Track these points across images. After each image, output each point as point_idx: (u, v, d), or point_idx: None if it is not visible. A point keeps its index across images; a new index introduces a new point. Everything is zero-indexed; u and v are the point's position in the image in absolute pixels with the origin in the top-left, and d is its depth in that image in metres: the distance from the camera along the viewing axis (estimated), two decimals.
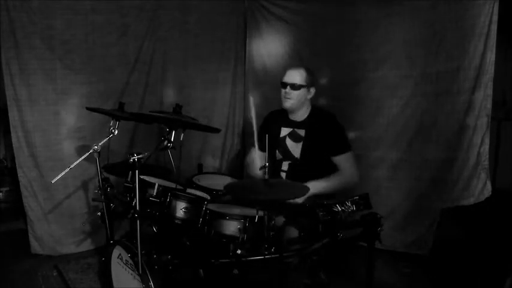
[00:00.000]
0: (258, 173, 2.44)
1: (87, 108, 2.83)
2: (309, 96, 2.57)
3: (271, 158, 2.66)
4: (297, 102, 2.55)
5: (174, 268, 2.17)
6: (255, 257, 1.96)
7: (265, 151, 2.17)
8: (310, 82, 2.54)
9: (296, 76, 2.52)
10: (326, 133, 2.50)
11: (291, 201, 2.30)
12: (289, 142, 2.62)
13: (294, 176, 2.56)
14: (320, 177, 2.43)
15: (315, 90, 2.58)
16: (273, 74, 4.01)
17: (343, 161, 2.48)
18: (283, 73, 2.58)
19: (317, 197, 2.32)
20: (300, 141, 2.58)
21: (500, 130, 4.41)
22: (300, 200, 2.34)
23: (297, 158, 2.58)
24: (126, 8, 3.46)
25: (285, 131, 2.65)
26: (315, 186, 2.30)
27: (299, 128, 2.60)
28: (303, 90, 2.52)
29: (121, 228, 3.32)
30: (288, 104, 2.55)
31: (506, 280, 2.62)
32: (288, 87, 2.52)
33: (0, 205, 4.24)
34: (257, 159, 2.55)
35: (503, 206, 3.59)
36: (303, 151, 2.55)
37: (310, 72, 2.56)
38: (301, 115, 2.62)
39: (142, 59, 3.61)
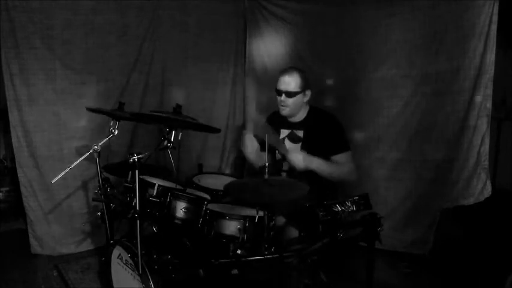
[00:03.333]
0: (252, 156, 2.58)
1: (87, 109, 2.83)
2: (305, 100, 2.56)
3: (272, 158, 2.67)
4: (293, 108, 2.54)
5: (174, 268, 2.18)
6: (255, 257, 1.96)
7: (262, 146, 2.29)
8: (305, 86, 2.52)
9: (290, 83, 2.49)
10: (325, 133, 2.50)
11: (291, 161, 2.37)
12: (288, 143, 2.63)
13: (294, 176, 2.56)
14: (319, 177, 2.43)
15: (310, 92, 2.56)
16: (273, 74, 4.00)
17: (342, 159, 2.48)
18: (277, 79, 2.55)
19: (317, 192, 2.31)
20: (299, 142, 2.58)
21: (500, 130, 4.41)
22: (300, 165, 2.36)
23: None
24: (126, 8, 3.46)
25: (284, 133, 2.66)
26: (316, 162, 2.37)
27: (297, 129, 2.60)
28: (298, 96, 2.50)
29: (121, 228, 3.33)
30: (284, 111, 2.55)
31: (507, 280, 2.62)
32: (284, 95, 2.50)
33: (0, 205, 4.24)
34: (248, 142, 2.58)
35: (503, 206, 3.59)
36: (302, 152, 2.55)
37: (304, 76, 2.53)
38: (299, 116, 2.62)
39: (142, 59, 3.61)
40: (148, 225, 2.48)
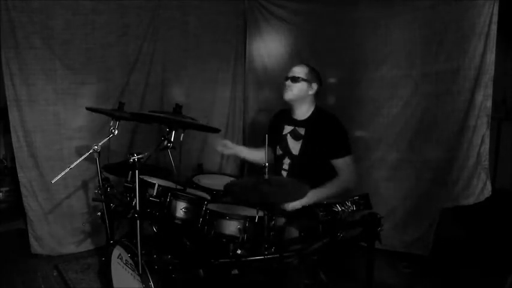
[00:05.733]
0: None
1: (87, 108, 2.83)
2: (311, 92, 2.60)
3: (273, 154, 2.69)
4: (296, 94, 2.58)
5: (174, 268, 2.18)
6: (255, 257, 1.96)
7: (269, 147, 2.34)
8: (312, 78, 2.60)
9: (297, 70, 2.61)
10: (327, 135, 2.50)
11: (289, 206, 2.32)
12: (290, 140, 2.65)
13: (294, 174, 2.57)
14: (319, 176, 2.43)
15: (317, 87, 2.61)
16: (273, 74, 4.01)
17: (341, 165, 2.48)
18: (288, 71, 2.66)
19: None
20: (300, 140, 2.59)
21: (500, 130, 4.41)
22: (298, 205, 2.33)
23: (295, 156, 2.59)
24: (126, 8, 3.46)
25: (287, 129, 2.69)
26: (315, 195, 2.33)
27: (300, 126, 2.62)
28: (303, 84, 2.57)
29: (121, 228, 3.32)
30: (287, 95, 2.61)
31: (507, 280, 2.62)
32: (289, 80, 2.60)
33: (0, 205, 4.24)
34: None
35: (503, 206, 3.59)
36: (302, 149, 2.57)
37: (312, 69, 2.63)
38: (303, 113, 2.64)
39: (142, 59, 3.61)
40: (148, 225, 2.47)
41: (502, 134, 4.43)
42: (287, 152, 2.63)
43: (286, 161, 2.64)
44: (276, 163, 2.69)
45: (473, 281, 2.90)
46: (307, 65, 2.65)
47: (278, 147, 2.68)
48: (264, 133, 2.79)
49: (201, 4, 3.86)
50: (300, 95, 2.59)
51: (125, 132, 3.48)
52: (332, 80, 3.70)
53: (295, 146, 2.60)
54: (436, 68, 3.13)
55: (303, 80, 2.57)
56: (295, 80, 2.58)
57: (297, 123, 2.64)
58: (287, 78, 2.61)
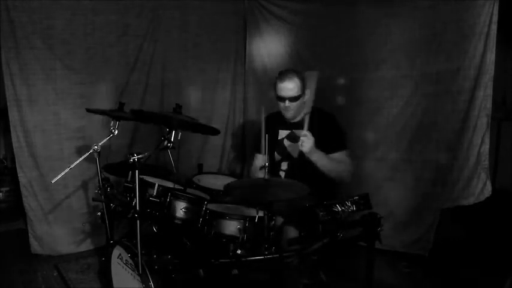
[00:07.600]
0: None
1: (87, 110, 2.82)
2: (305, 99, 2.59)
3: (270, 159, 2.67)
4: (296, 110, 2.59)
5: (174, 268, 2.18)
6: (255, 257, 1.96)
7: (265, 152, 2.31)
8: (304, 87, 2.56)
9: (293, 88, 2.50)
10: (324, 132, 2.51)
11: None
12: (287, 143, 2.64)
13: (293, 175, 2.57)
14: (319, 175, 2.43)
15: (309, 91, 2.60)
16: (273, 74, 3.98)
17: (339, 157, 2.50)
18: (276, 85, 2.55)
19: (317, 191, 2.30)
20: (298, 141, 2.59)
21: (500, 130, 4.41)
22: (307, 149, 2.33)
23: (295, 158, 2.59)
24: (126, 8, 3.46)
25: (282, 133, 2.68)
26: (319, 154, 2.38)
27: (297, 128, 2.61)
28: (301, 99, 2.55)
29: (121, 228, 3.33)
30: (289, 115, 2.60)
31: (507, 280, 2.62)
32: (287, 101, 2.53)
33: (0, 205, 4.24)
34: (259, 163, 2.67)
35: (503, 206, 3.59)
36: (301, 150, 2.56)
37: (302, 77, 2.55)
38: (299, 116, 2.64)
39: (142, 59, 3.61)
40: (148, 225, 2.47)
41: (502, 134, 4.42)
42: (286, 156, 2.63)
43: (284, 164, 2.64)
44: (272, 166, 2.67)
45: (473, 281, 2.90)
46: (296, 74, 2.53)
47: (276, 153, 2.68)
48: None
49: (201, 4, 3.86)
50: (300, 108, 2.59)
51: (125, 132, 3.48)
52: (332, 80, 3.70)
53: (294, 149, 2.60)
54: (436, 68, 3.13)
55: (301, 96, 2.53)
56: (293, 100, 2.51)
57: (293, 126, 2.65)
58: (283, 99, 2.52)
